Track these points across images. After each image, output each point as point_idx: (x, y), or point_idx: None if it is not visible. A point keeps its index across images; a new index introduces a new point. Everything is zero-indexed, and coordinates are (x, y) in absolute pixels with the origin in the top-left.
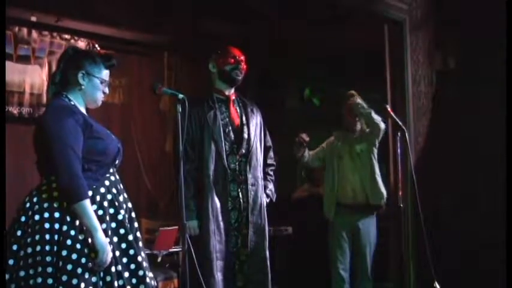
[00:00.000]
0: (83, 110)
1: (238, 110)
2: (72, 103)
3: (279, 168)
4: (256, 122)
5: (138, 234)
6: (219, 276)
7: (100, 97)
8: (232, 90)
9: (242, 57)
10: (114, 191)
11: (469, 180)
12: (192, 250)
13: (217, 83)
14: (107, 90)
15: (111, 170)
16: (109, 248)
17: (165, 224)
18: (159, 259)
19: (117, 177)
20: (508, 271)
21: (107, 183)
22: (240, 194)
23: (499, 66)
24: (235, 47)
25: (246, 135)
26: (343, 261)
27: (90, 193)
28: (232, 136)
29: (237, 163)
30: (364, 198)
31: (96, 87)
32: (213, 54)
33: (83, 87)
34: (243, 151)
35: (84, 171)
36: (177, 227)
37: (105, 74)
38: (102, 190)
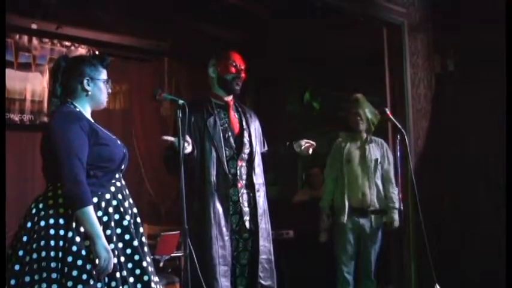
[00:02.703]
0: (89, 116)
1: (237, 116)
2: (78, 110)
3: (279, 173)
4: (255, 127)
5: (144, 239)
6: (222, 281)
7: (105, 99)
8: (231, 96)
9: (243, 65)
10: (119, 196)
11: (469, 182)
12: (194, 254)
13: (216, 88)
14: (109, 89)
15: (116, 176)
16: (111, 255)
17: (166, 229)
18: (161, 264)
19: (123, 182)
20: (509, 272)
21: (112, 189)
22: (241, 198)
23: (498, 68)
24: (235, 51)
25: (246, 140)
26: (348, 264)
27: (95, 199)
28: (232, 141)
29: (237, 168)
30: (373, 202)
31: (101, 90)
32: (213, 57)
33: (89, 93)
34: (245, 156)
35: (90, 178)
36: (178, 231)
37: (105, 73)
38: (108, 196)
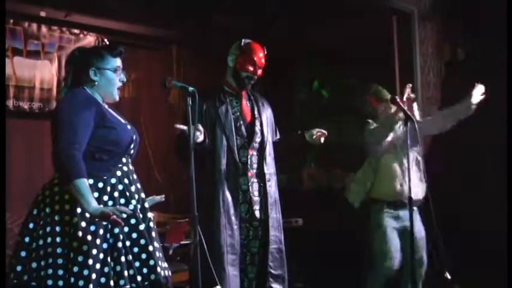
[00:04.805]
0: (100, 101)
1: (250, 104)
2: (89, 92)
3: (287, 161)
4: (267, 115)
5: (152, 224)
6: (230, 269)
7: (115, 89)
8: None
9: (262, 64)
10: (125, 181)
11: (478, 168)
12: (204, 242)
13: (229, 77)
14: (123, 77)
15: (123, 160)
16: (101, 209)
17: (175, 217)
18: (170, 252)
19: (131, 167)
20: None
21: (118, 173)
22: (250, 188)
23: (507, 57)
24: (260, 46)
25: (258, 129)
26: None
27: (101, 184)
28: (244, 130)
29: (248, 157)
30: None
31: (110, 80)
32: (237, 47)
33: (96, 83)
34: (256, 145)
35: (95, 161)
36: (188, 219)
37: (115, 62)
38: (113, 181)
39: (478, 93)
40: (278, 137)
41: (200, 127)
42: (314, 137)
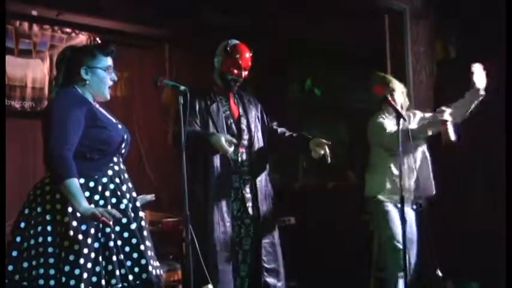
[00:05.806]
0: (91, 100)
1: (237, 102)
2: (80, 92)
3: (281, 159)
4: (254, 112)
5: (143, 223)
6: (223, 267)
7: (107, 88)
8: None
9: (248, 66)
10: (117, 180)
11: (469, 167)
12: (196, 241)
13: (216, 78)
14: (114, 76)
15: (115, 160)
16: (92, 210)
17: (168, 216)
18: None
19: (122, 166)
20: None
21: (109, 172)
22: (242, 185)
23: (499, 55)
24: (246, 47)
25: (244, 127)
26: None
27: (92, 184)
28: (234, 128)
29: (238, 155)
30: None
31: (101, 79)
32: (222, 48)
33: (87, 82)
34: (245, 142)
35: (86, 160)
36: (180, 218)
37: (106, 61)
38: (105, 180)
39: (480, 76)
40: (274, 125)
41: (234, 140)
42: (315, 148)
